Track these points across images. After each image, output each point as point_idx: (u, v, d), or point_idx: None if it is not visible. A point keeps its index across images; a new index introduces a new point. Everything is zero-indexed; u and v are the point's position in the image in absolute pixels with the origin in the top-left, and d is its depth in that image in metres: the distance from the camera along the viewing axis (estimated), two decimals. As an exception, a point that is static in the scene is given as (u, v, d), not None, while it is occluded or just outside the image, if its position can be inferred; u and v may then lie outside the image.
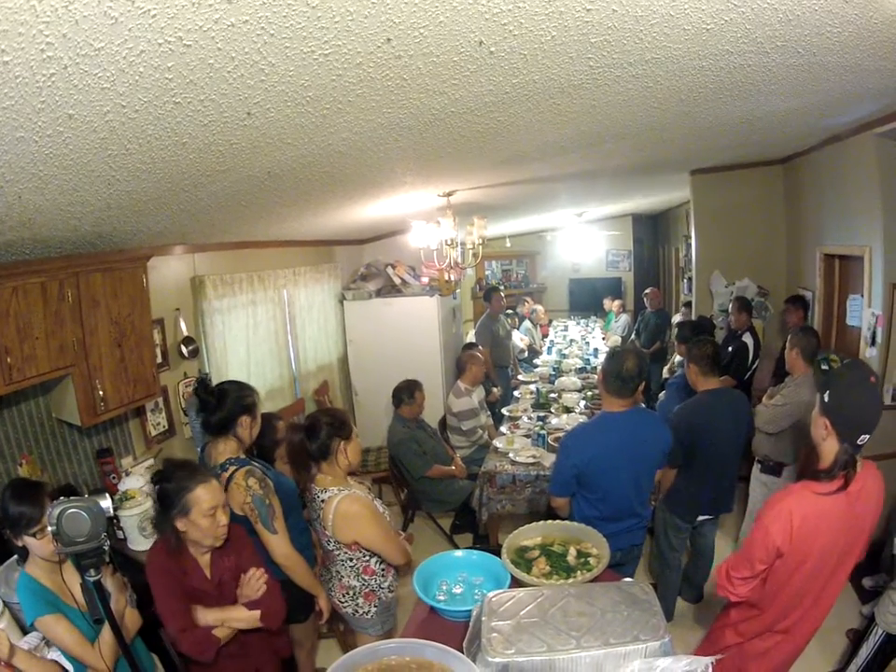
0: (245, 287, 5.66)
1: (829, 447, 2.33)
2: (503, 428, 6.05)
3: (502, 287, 11.37)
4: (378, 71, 1.88)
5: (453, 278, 5.61)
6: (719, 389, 4.26)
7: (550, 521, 3.12)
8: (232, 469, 3.09)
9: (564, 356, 9.10)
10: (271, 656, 2.98)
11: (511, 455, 5.27)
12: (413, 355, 7.32)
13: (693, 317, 7.50)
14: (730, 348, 6.15)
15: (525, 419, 6.27)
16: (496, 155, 3.78)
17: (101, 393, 3.71)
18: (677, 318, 9.44)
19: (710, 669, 1.80)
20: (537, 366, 8.83)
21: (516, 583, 2.59)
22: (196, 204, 3.29)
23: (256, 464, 3.22)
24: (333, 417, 3.15)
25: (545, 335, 11.32)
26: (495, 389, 7.55)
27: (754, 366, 6.36)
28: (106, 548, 1.97)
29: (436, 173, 4.12)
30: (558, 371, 8.05)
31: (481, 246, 5.43)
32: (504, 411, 6.69)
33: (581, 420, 5.75)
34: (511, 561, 2.74)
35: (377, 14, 1.50)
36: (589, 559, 2.82)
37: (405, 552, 3.21)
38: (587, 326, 11.91)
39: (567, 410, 6.39)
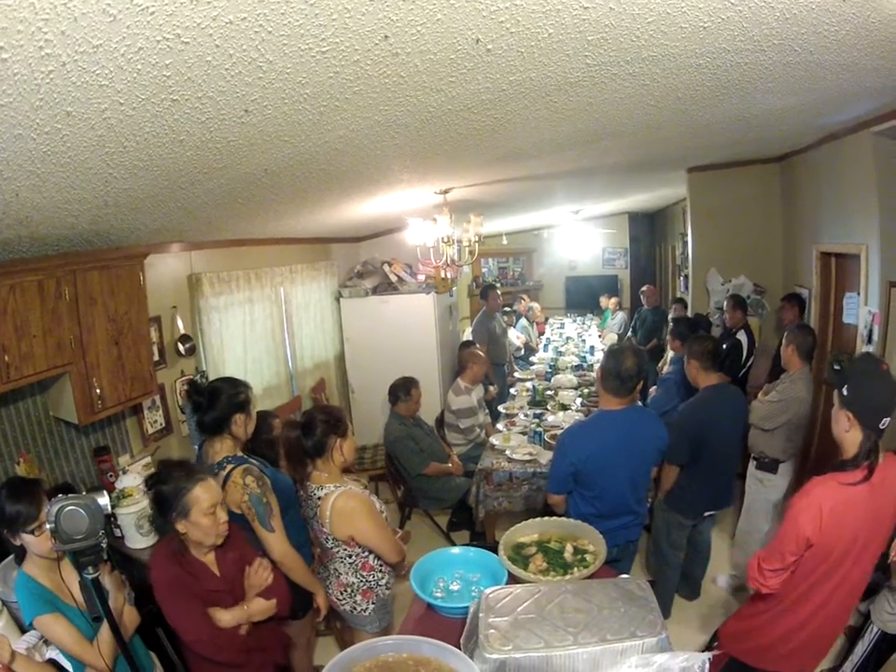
0: (241, 285, 5.66)
1: (852, 438, 2.41)
2: (500, 426, 6.06)
3: (498, 285, 11.37)
4: (375, 68, 1.88)
5: (449, 276, 5.63)
6: (719, 385, 4.28)
7: (546, 518, 3.13)
8: (230, 467, 3.08)
9: (560, 353, 9.14)
10: (282, 648, 3.00)
11: (507, 452, 5.28)
12: (409, 352, 7.33)
13: (690, 314, 7.51)
14: (724, 346, 6.16)
15: (522, 416, 6.29)
16: (492, 152, 3.78)
17: (98, 391, 3.71)
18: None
19: (707, 665, 1.81)
20: (533, 363, 8.84)
21: (513, 580, 2.60)
22: (193, 202, 3.28)
23: (253, 461, 3.22)
24: (329, 414, 3.16)
25: (541, 333, 11.33)
26: (491, 387, 7.55)
27: (749, 363, 6.39)
28: (104, 545, 1.96)
29: (433, 170, 4.12)
30: (554, 369, 8.08)
31: (477, 244, 5.43)
32: (501, 408, 6.69)
33: (578, 417, 5.77)
34: (507, 558, 2.75)
35: (374, 11, 1.51)
36: (586, 556, 2.83)
37: (400, 549, 3.21)
38: (583, 323, 11.92)
39: (564, 407, 6.40)
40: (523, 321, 10.80)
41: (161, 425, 4.81)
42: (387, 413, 5.97)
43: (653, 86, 2.67)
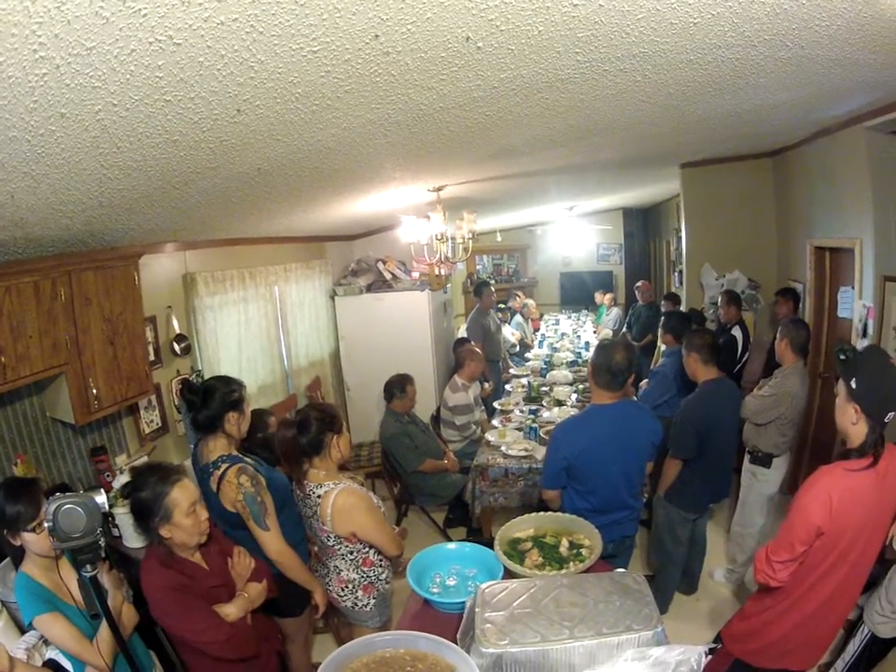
0: (236, 284, 5.66)
1: (858, 430, 2.44)
2: (495, 422, 6.07)
3: (493, 282, 11.37)
4: (366, 67, 1.88)
5: (443, 273, 5.62)
6: (718, 379, 4.29)
7: (542, 513, 3.14)
8: (224, 466, 3.09)
9: (555, 349, 9.15)
10: (280, 636, 3.04)
11: (503, 448, 5.29)
12: (404, 349, 7.35)
13: (683, 310, 7.52)
14: (720, 341, 6.17)
15: (517, 412, 6.29)
16: (485, 149, 3.78)
17: (94, 391, 3.71)
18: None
19: (703, 659, 1.82)
20: (528, 360, 8.85)
21: (509, 575, 2.62)
22: (187, 202, 3.29)
23: (248, 460, 3.23)
24: (323, 412, 3.17)
25: (536, 329, 11.32)
26: (486, 384, 7.56)
27: (744, 359, 6.40)
28: (102, 543, 1.97)
29: (425, 168, 4.12)
30: (549, 365, 8.08)
31: (471, 241, 5.44)
32: (496, 404, 6.70)
33: (573, 413, 5.77)
34: (503, 553, 2.76)
35: (365, 11, 1.51)
36: (581, 550, 2.84)
37: (399, 543, 3.25)
38: (578, 319, 11.94)
39: (559, 403, 6.41)
40: (518, 318, 10.80)
41: (157, 424, 4.82)
42: (383, 411, 5.98)
43: (644, 82, 2.68)
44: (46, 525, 1.91)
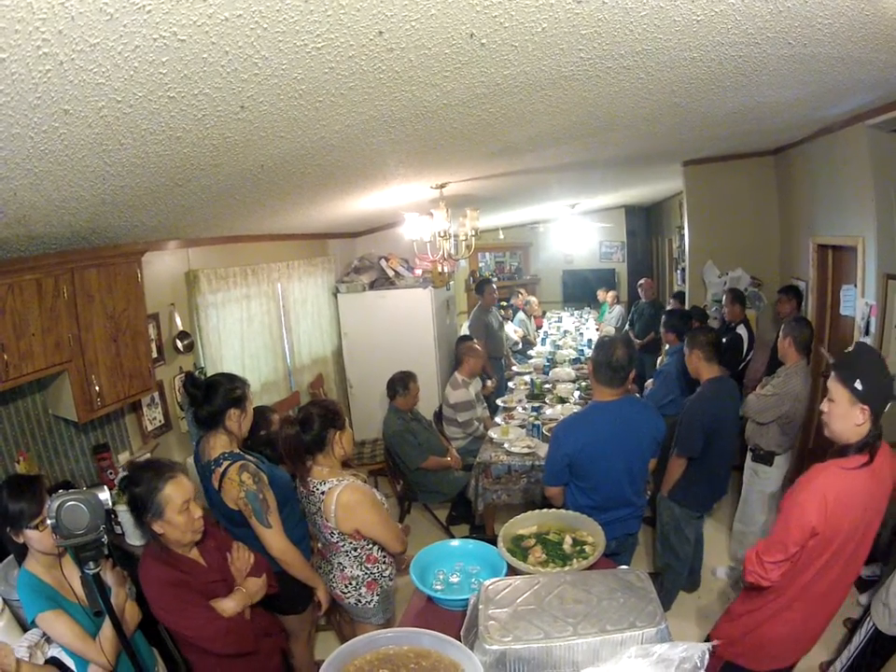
0: (239, 281, 5.66)
1: (861, 431, 2.40)
2: (498, 419, 6.08)
3: (495, 279, 11.37)
4: (370, 64, 1.88)
5: (446, 270, 5.62)
6: (721, 378, 4.29)
7: (545, 510, 3.14)
8: (226, 464, 3.08)
9: (558, 347, 9.16)
10: (284, 633, 3.04)
11: (506, 445, 5.30)
12: (407, 347, 7.35)
13: (686, 308, 7.52)
14: (724, 340, 6.16)
15: (520, 409, 6.29)
16: (488, 146, 3.78)
17: (97, 388, 3.71)
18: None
19: (707, 655, 1.81)
20: (531, 357, 8.85)
21: (512, 572, 2.61)
22: (190, 198, 3.29)
23: (250, 458, 3.23)
24: (325, 408, 3.16)
25: (539, 326, 11.32)
26: (489, 381, 7.56)
27: (748, 357, 6.39)
28: (105, 540, 1.97)
29: (428, 165, 4.12)
30: (552, 362, 8.10)
31: (474, 238, 5.43)
32: (499, 401, 6.71)
33: (575, 410, 5.76)
34: (507, 550, 2.76)
35: (369, 7, 1.51)
36: (585, 547, 2.84)
37: (403, 540, 3.24)
38: (581, 317, 11.94)
39: (562, 400, 6.41)
40: (521, 315, 10.79)
41: (160, 421, 4.82)
42: (386, 408, 5.97)
43: (648, 79, 2.67)
44: (49, 522, 1.91)
